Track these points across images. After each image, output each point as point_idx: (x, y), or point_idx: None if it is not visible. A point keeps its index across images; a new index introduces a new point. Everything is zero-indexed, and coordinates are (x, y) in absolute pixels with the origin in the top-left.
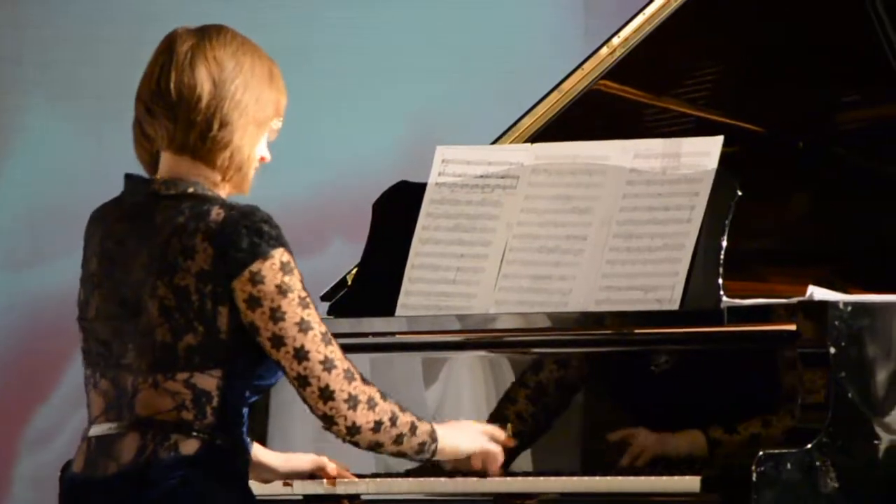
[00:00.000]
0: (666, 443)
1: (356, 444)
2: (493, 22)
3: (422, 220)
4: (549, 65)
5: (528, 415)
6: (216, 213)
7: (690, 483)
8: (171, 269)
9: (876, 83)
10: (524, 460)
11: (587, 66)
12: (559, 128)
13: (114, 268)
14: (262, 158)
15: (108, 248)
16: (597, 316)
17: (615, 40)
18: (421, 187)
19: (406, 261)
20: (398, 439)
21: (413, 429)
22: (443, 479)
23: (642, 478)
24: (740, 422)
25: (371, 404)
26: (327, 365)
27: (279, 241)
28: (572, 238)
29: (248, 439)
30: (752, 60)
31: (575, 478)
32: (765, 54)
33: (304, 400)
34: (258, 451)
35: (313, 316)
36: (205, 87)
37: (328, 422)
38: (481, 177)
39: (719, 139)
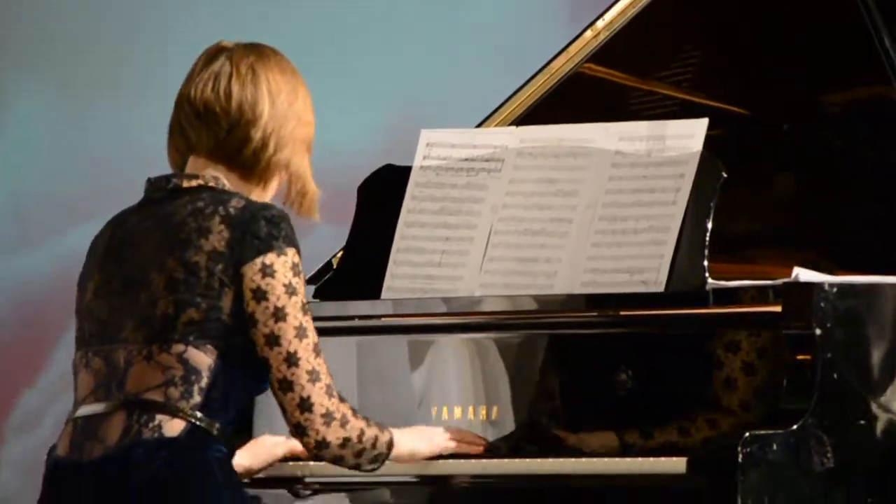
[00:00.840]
0: (651, 424)
1: (320, 458)
2: (477, 5)
3: (407, 204)
4: (534, 48)
5: (513, 397)
6: (236, 202)
7: (677, 464)
8: (184, 245)
9: (861, 65)
10: (509, 442)
11: (572, 49)
12: (544, 111)
13: (123, 249)
14: None
15: (119, 235)
16: (582, 298)
17: (599, 23)
18: (406, 171)
19: (391, 244)
20: (360, 454)
21: (374, 443)
22: (434, 462)
23: (628, 459)
24: (726, 403)
25: (343, 422)
26: (313, 376)
27: (293, 242)
28: (557, 221)
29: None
30: (736, 43)
31: (561, 459)
32: (749, 36)
33: (281, 404)
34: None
35: (310, 325)
36: (265, 106)
37: (300, 432)
38: (466, 160)
39: (704, 121)
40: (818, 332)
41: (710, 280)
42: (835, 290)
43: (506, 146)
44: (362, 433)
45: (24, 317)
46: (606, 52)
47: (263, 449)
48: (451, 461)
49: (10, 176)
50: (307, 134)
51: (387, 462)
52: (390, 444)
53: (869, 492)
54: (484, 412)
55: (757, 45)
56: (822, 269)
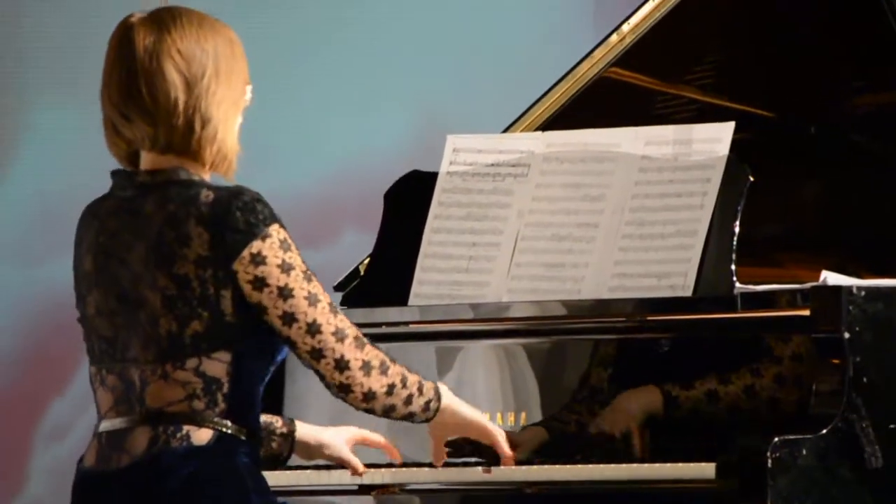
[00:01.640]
0: (680, 429)
1: (371, 411)
2: (504, 10)
3: (433, 210)
4: (559, 53)
5: (542, 403)
6: (205, 196)
7: (706, 469)
8: (168, 259)
9: (887, 67)
10: (540, 448)
11: (597, 53)
12: (570, 116)
13: (109, 263)
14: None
15: (103, 244)
16: (610, 303)
17: (625, 27)
18: (432, 177)
19: (418, 250)
20: (408, 399)
21: (420, 387)
22: (469, 469)
23: (657, 465)
24: (754, 408)
25: (383, 368)
26: (339, 335)
27: (273, 218)
28: (584, 225)
29: (261, 421)
30: (762, 45)
31: (590, 465)
32: (776, 39)
33: (318, 372)
34: (304, 430)
35: (318, 287)
36: (179, 87)
37: (344, 390)
38: (492, 165)
39: (731, 125)
40: (847, 335)
41: (737, 284)
42: (863, 293)
43: (532, 151)
44: (404, 377)
45: (52, 325)
46: (632, 56)
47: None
48: (478, 468)
49: (37, 185)
50: (232, 87)
51: (437, 413)
52: (437, 391)
53: None
54: (512, 418)
55: (783, 47)
56: (849, 272)
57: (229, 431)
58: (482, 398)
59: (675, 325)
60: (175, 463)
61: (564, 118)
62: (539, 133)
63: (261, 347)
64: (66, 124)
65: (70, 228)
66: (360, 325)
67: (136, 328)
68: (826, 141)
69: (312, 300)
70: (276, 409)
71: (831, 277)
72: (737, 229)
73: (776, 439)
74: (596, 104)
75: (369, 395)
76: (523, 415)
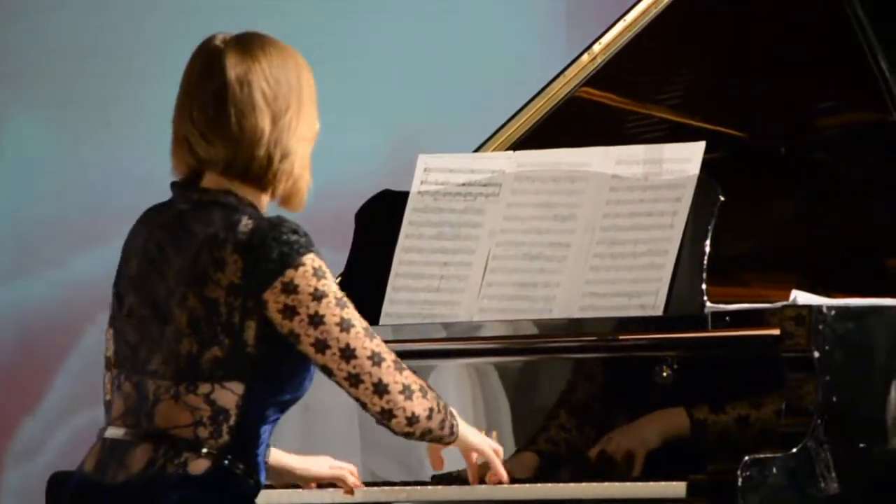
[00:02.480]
0: (651, 448)
1: (411, 435)
2: (474, 30)
3: (405, 229)
4: (531, 72)
5: (512, 422)
6: (244, 224)
7: (676, 488)
8: (201, 281)
9: (858, 88)
10: (510, 467)
11: (569, 73)
12: (541, 135)
13: (151, 272)
14: None
15: (150, 252)
16: (581, 322)
17: (596, 47)
18: (403, 196)
19: (390, 270)
20: (442, 423)
21: (446, 410)
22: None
23: (628, 483)
24: (725, 426)
25: (423, 392)
26: (376, 359)
27: (308, 248)
28: (555, 245)
29: (264, 461)
30: (733, 66)
31: (560, 484)
32: (746, 60)
33: (358, 399)
34: (276, 455)
35: (352, 314)
36: (266, 120)
37: (387, 416)
38: (464, 185)
39: (701, 144)
40: (816, 354)
41: (708, 303)
42: (833, 312)
43: (503, 170)
44: (439, 401)
45: (23, 344)
46: (603, 76)
47: (313, 463)
48: (450, 488)
49: (9, 202)
50: (309, 123)
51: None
52: (454, 415)
53: None
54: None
55: (754, 67)
56: (819, 291)
57: (227, 464)
58: None
59: (646, 344)
60: (166, 490)
61: (536, 137)
62: (510, 153)
63: (274, 385)
64: (39, 144)
65: (43, 247)
66: None
67: (160, 342)
68: (796, 161)
69: (345, 326)
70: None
71: (801, 297)
72: (707, 248)
73: (746, 458)
74: (567, 124)
75: (413, 420)
76: (494, 434)
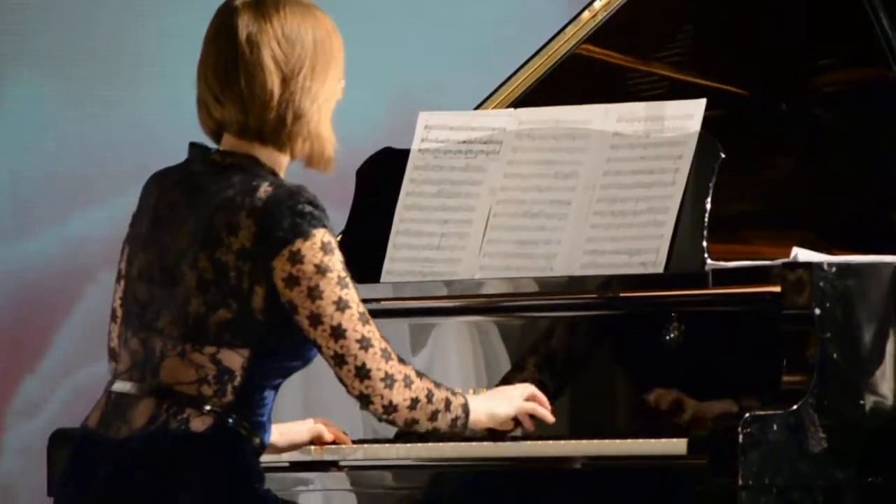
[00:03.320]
0: (651, 405)
1: (392, 423)
2: None
3: (405, 187)
4: (532, 30)
5: (514, 379)
6: (263, 191)
7: (677, 445)
8: (214, 243)
9: (859, 45)
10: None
11: (569, 30)
12: (542, 93)
13: (163, 232)
14: None
15: (161, 212)
16: (582, 280)
17: (597, 4)
18: (404, 154)
19: (391, 227)
20: (433, 416)
21: (448, 404)
22: (429, 445)
23: (629, 440)
24: (726, 383)
25: (407, 382)
26: (364, 343)
27: (321, 222)
28: (556, 203)
29: (268, 423)
30: (734, 23)
31: (561, 441)
32: (747, 16)
33: (340, 379)
34: None
35: (352, 295)
36: (276, 81)
37: (364, 401)
38: (464, 142)
39: (702, 102)
40: (817, 311)
41: (709, 261)
42: (833, 269)
43: (504, 128)
44: (430, 394)
45: (24, 302)
46: (604, 33)
47: (290, 429)
48: (450, 444)
49: (9, 161)
50: (327, 83)
51: (468, 428)
52: (466, 408)
53: (869, 472)
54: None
55: (755, 24)
56: (820, 249)
57: (230, 422)
58: (454, 373)
59: (647, 301)
60: (168, 444)
61: (536, 95)
62: (511, 110)
63: (283, 350)
64: (41, 100)
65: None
66: None
67: (169, 301)
68: (797, 118)
69: (341, 305)
70: None
71: (802, 254)
72: (708, 206)
73: (747, 415)
74: (568, 81)
75: (390, 408)
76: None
